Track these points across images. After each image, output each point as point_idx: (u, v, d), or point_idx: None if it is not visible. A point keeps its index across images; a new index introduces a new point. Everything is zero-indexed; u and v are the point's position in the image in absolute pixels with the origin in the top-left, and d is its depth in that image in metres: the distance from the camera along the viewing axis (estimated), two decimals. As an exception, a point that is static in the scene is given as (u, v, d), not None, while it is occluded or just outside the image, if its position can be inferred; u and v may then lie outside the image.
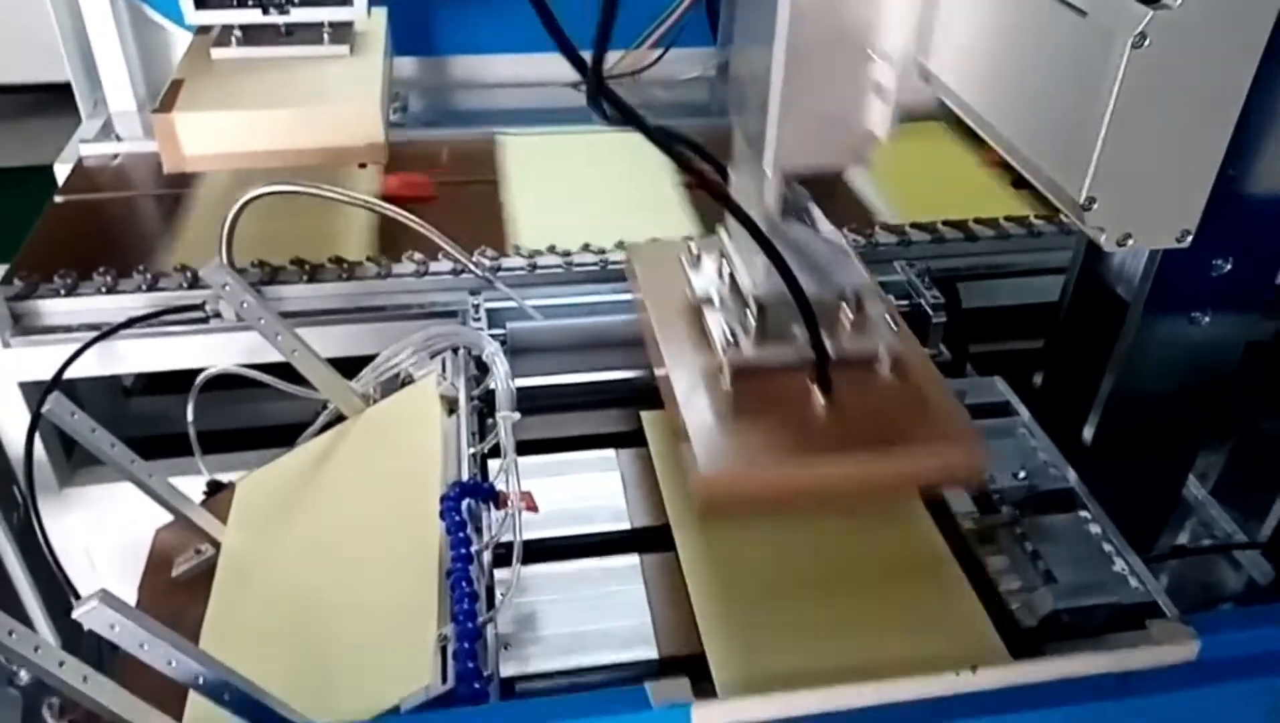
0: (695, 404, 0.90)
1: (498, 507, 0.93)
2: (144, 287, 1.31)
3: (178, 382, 1.23)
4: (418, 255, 1.30)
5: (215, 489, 1.19)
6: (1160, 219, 0.64)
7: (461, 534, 0.88)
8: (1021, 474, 1.03)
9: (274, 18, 1.35)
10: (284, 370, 1.13)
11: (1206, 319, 1.00)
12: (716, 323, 0.93)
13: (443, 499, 0.90)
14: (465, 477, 0.96)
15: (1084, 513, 1.02)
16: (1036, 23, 0.63)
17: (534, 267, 1.33)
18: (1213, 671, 0.78)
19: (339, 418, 1.15)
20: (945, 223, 1.44)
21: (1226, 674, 0.78)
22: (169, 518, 1.11)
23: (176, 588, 1.06)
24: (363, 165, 1.39)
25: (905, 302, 1.22)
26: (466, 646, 0.78)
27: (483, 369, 1.10)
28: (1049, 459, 1.08)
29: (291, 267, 1.33)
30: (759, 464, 0.85)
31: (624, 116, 0.79)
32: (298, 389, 1.15)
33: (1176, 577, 1.22)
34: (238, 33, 1.47)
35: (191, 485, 1.15)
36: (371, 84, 1.42)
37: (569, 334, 1.19)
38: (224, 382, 1.18)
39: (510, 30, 1.88)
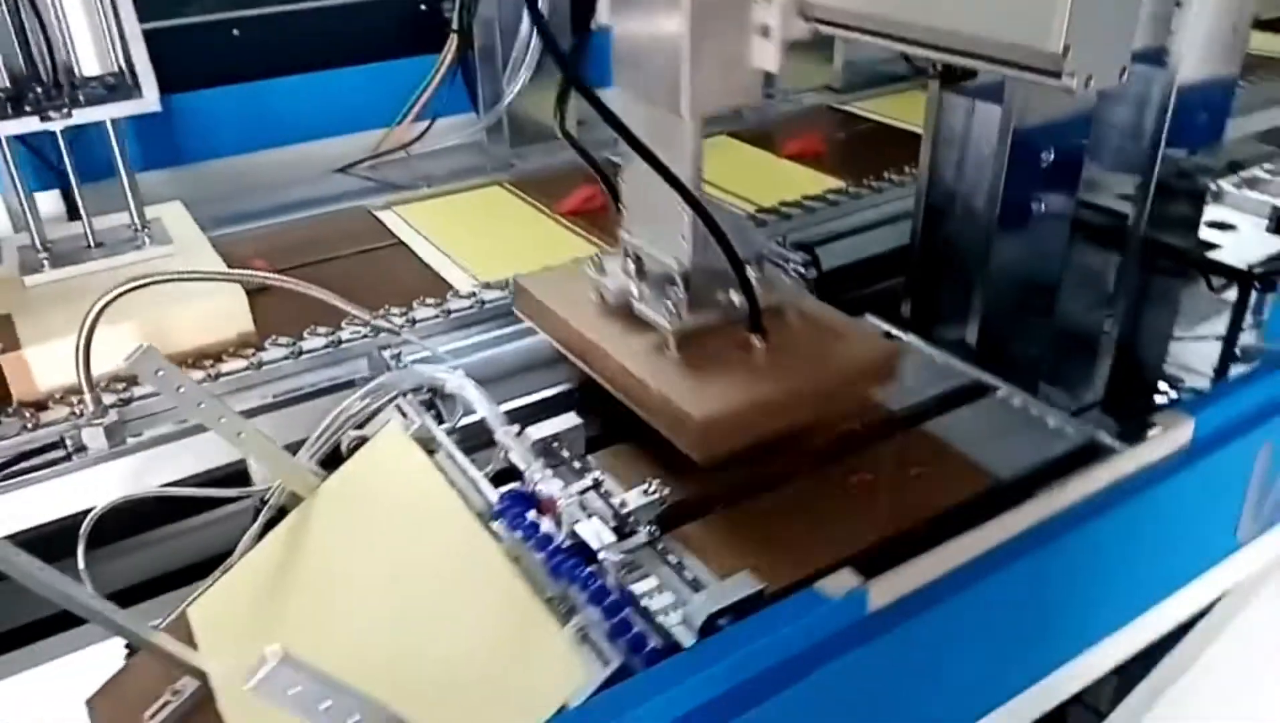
0: (661, 376, 0.98)
1: (541, 513, 0.89)
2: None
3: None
4: (321, 328, 1.21)
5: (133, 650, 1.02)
6: (1110, 60, 0.78)
7: (540, 534, 0.84)
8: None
9: (55, 123, 1.20)
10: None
11: (1043, 206, 1.20)
12: (650, 308, 1.04)
13: (502, 512, 0.87)
14: (494, 499, 0.91)
15: (1001, 392, 1.17)
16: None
17: (448, 312, 1.28)
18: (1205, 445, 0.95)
19: (276, 517, 1.04)
20: (784, 204, 1.61)
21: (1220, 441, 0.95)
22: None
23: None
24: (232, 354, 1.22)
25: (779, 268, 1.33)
26: (621, 617, 0.75)
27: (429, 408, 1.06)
28: (948, 362, 1.22)
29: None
30: (737, 400, 0.95)
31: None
32: (229, 491, 1.03)
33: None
34: (44, 255, 1.33)
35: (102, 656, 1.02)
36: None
37: (499, 365, 1.17)
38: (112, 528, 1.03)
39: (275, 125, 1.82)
